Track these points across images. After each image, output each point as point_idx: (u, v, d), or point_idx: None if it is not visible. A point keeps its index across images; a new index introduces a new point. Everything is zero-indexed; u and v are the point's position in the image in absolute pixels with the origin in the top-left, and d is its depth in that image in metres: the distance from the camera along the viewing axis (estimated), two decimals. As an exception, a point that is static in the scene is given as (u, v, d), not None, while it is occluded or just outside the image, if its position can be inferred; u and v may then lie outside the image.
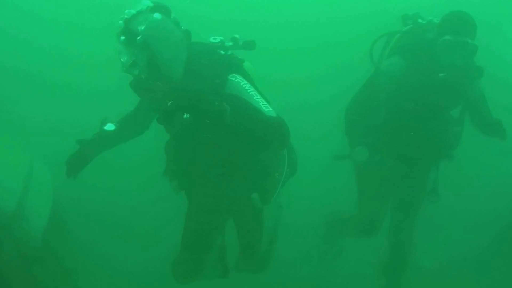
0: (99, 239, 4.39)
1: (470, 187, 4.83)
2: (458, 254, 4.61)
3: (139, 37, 2.50)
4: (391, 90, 3.44)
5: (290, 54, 5.74)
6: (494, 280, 4.33)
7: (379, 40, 3.65)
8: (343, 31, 5.53)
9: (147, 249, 4.29)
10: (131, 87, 2.63)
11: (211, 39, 2.80)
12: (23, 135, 4.42)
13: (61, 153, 4.37)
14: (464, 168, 3.83)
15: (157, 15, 2.60)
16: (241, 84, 2.61)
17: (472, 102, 3.51)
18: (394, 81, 3.41)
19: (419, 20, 3.52)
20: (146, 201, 4.75)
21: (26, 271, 3.45)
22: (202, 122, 2.37)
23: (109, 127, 2.97)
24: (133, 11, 2.59)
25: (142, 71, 2.58)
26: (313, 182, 4.60)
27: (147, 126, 3.08)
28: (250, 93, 2.58)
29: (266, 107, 2.53)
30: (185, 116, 2.42)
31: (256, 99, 2.55)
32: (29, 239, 3.53)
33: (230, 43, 2.82)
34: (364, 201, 3.81)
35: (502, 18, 5.25)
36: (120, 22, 2.57)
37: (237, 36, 2.83)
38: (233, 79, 2.63)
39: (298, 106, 5.26)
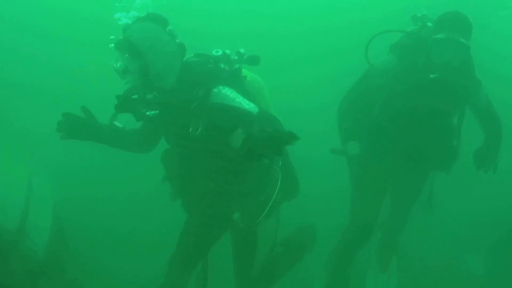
0: (102, 250, 4.38)
1: (475, 185, 4.77)
2: (465, 251, 4.63)
3: (131, 44, 2.55)
4: (384, 88, 3.44)
5: (292, 62, 5.74)
6: (499, 278, 4.34)
7: (375, 38, 3.54)
8: (348, 36, 5.51)
9: (150, 258, 4.27)
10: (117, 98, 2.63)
11: (214, 52, 2.82)
12: (25, 148, 4.42)
13: (63, 166, 4.44)
14: (469, 165, 3.73)
15: (152, 25, 2.63)
16: (223, 92, 2.62)
17: (481, 109, 3.49)
18: (386, 79, 3.40)
19: (428, 24, 3.49)
20: (147, 210, 4.73)
21: (32, 285, 3.46)
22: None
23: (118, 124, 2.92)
24: (130, 20, 2.64)
25: (134, 79, 2.62)
26: (317, 188, 4.60)
27: (154, 144, 3.02)
28: (231, 96, 2.60)
29: (248, 104, 2.56)
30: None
31: (238, 100, 2.58)
32: (34, 253, 3.55)
33: (235, 57, 2.83)
34: (358, 201, 3.76)
35: (489, 13, 5.23)
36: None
37: (242, 50, 2.84)
38: (216, 90, 2.63)
39: (301, 113, 5.27)
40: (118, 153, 3.09)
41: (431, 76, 3.24)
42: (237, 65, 2.82)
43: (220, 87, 2.64)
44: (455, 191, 4.59)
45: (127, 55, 2.58)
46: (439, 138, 3.51)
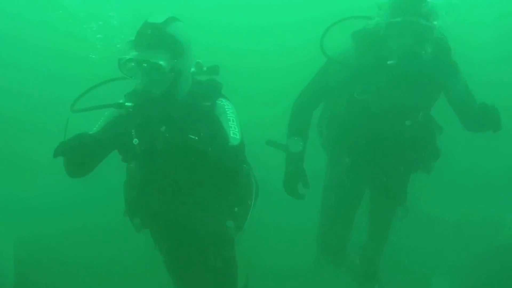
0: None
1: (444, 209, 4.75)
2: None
3: (176, 41, 2.49)
4: (343, 79, 3.08)
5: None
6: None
7: (332, 28, 3.15)
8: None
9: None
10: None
11: None
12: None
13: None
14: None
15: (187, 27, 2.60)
16: (225, 107, 2.67)
17: (456, 98, 3.09)
18: (345, 70, 3.05)
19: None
20: (109, 242, 4.65)
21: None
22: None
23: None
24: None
25: (162, 78, 2.50)
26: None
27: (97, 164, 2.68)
28: (228, 116, 2.63)
29: (234, 133, 2.56)
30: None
31: (230, 124, 2.60)
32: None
33: (193, 69, 2.74)
34: (325, 211, 3.56)
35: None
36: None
37: (200, 61, 2.76)
38: (220, 102, 2.69)
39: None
40: (76, 187, 3.04)
41: (389, 62, 2.88)
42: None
43: (223, 100, 2.70)
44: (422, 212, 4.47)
45: (165, 51, 2.47)
46: (414, 135, 3.11)
